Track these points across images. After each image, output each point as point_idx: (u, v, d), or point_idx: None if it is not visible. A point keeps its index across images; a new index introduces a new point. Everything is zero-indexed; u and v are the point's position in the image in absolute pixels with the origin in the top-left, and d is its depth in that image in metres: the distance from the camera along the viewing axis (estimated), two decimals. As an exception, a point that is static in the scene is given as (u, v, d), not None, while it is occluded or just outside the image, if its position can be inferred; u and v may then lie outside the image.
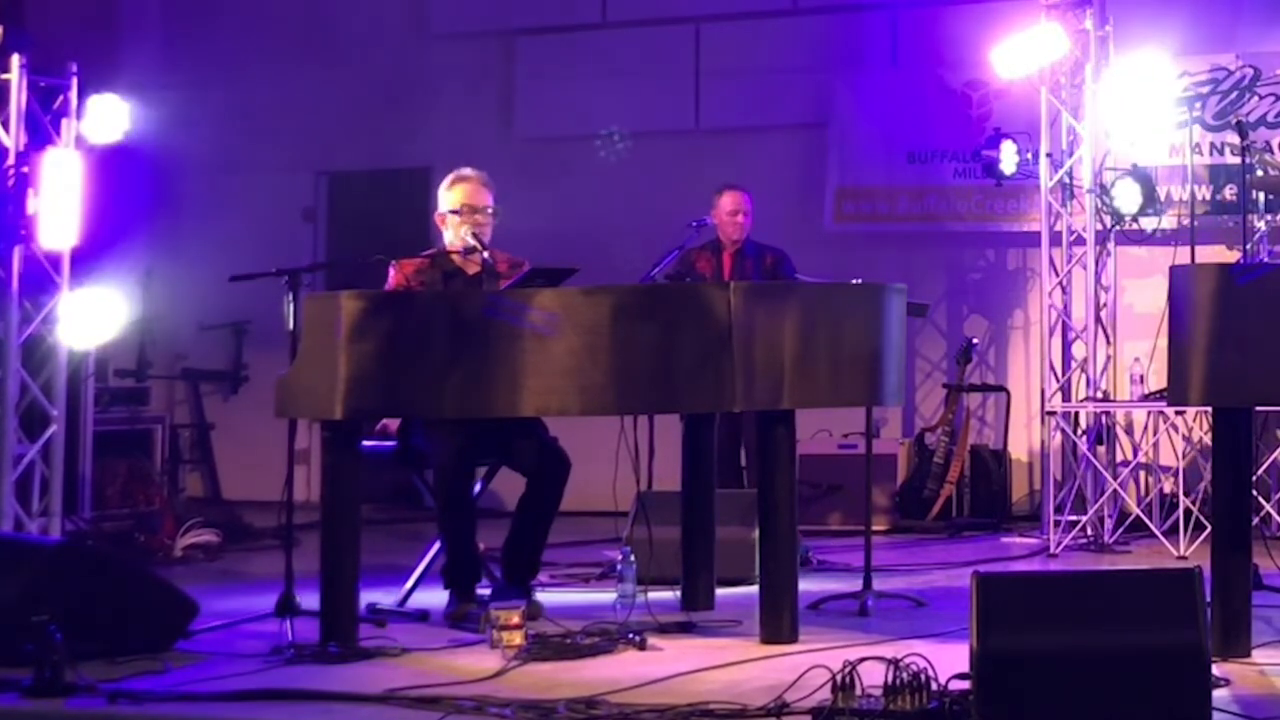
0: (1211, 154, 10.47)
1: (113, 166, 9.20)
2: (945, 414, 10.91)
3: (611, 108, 11.74)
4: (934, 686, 4.85)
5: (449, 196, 7.21)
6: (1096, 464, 9.72)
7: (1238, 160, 9.31)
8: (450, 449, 6.82)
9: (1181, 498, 9.22)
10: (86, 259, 9.01)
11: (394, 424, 7.14)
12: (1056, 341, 10.01)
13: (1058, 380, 9.91)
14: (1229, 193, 10.31)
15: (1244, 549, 5.98)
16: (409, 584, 7.19)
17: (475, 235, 7.07)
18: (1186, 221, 9.84)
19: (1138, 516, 9.59)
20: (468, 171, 7.25)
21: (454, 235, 7.20)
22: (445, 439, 6.85)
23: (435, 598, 7.00)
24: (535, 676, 5.73)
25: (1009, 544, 9.87)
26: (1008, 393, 11.20)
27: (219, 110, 12.07)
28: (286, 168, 12.52)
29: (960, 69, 11.17)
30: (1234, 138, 9.42)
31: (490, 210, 7.17)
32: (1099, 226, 9.91)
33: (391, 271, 7.17)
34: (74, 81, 8.90)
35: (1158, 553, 9.13)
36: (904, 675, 4.82)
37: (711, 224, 8.28)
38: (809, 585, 7.07)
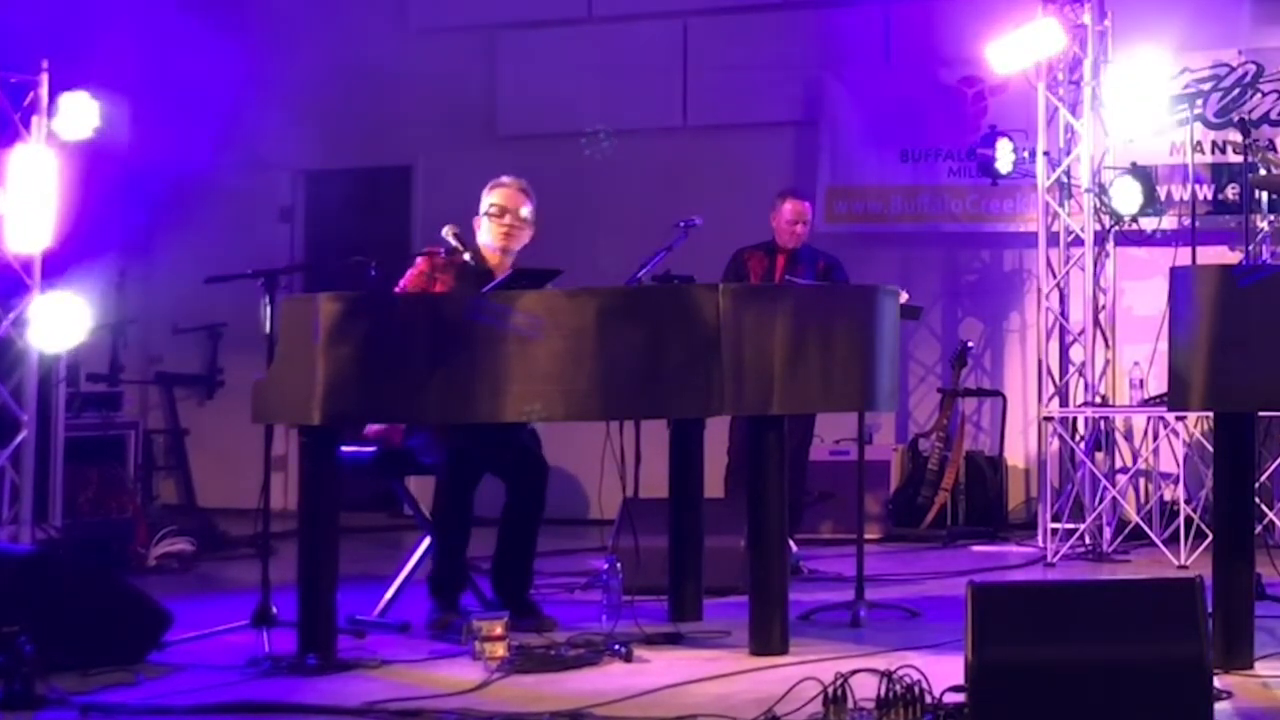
0: (1213, 152, 10.42)
1: (84, 165, 9.15)
2: (940, 419, 10.84)
3: (597, 104, 11.67)
4: (928, 699, 4.84)
5: (484, 199, 7.22)
6: (1095, 470, 9.68)
7: (1240, 159, 9.34)
8: (452, 455, 6.77)
9: (1182, 505, 9.19)
10: (58, 260, 8.96)
11: (374, 430, 7.04)
12: (1054, 345, 10.02)
13: (1055, 385, 9.89)
14: (1231, 192, 10.28)
15: (1246, 558, 5.94)
16: (389, 594, 7.12)
17: (457, 235, 7.04)
18: (1187, 221, 9.80)
19: (1137, 524, 9.57)
20: (506, 179, 7.28)
21: (486, 235, 7.18)
22: (445, 445, 6.80)
23: (416, 608, 6.93)
24: (518, 689, 5.69)
25: (1005, 553, 9.82)
26: (1004, 397, 11.15)
27: (193, 107, 11.97)
28: (263, 166, 12.47)
29: (955, 65, 11.13)
30: (1236, 136, 9.46)
31: (523, 217, 7.16)
32: (1097, 227, 9.91)
33: (419, 260, 7.20)
34: (44, 78, 8.82)
35: (1158, 562, 9.10)
36: (897, 688, 4.80)
37: (701, 225, 8.21)
38: (800, 595, 7.02)
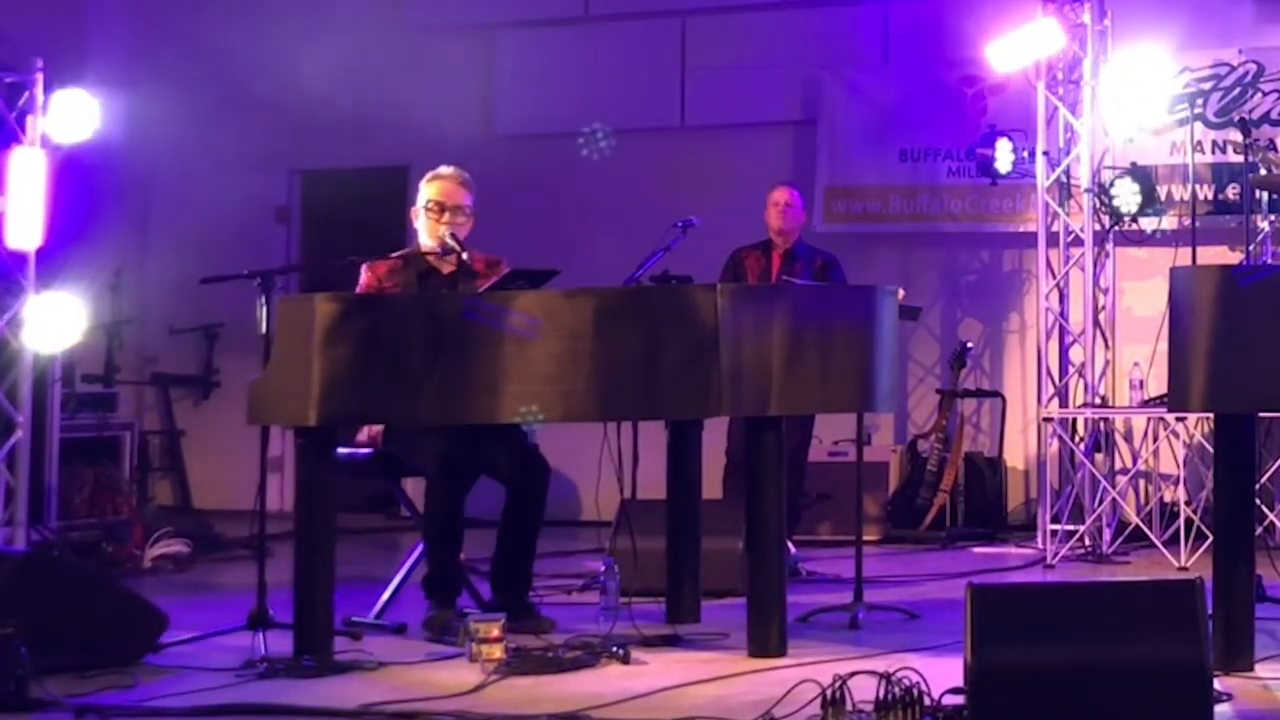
0: (1213, 152, 10.39)
1: (80, 165, 9.12)
2: (939, 420, 10.81)
3: (594, 104, 11.59)
4: (927, 701, 4.83)
5: (423, 192, 7.15)
6: (1095, 472, 9.65)
7: (1240, 158, 9.29)
8: (440, 457, 6.72)
9: (1182, 506, 9.15)
10: (53, 260, 8.91)
11: (364, 435, 7.01)
12: (1053, 345, 10.00)
13: (1055, 385, 9.86)
14: (1231, 192, 10.25)
15: (1247, 559, 5.91)
16: (386, 595, 7.08)
17: (453, 235, 6.99)
18: (1187, 222, 9.77)
19: (1137, 526, 9.54)
20: (445, 169, 7.19)
21: (425, 232, 7.11)
22: (428, 447, 6.74)
23: (413, 610, 6.89)
24: (515, 691, 5.66)
25: (1004, 554, 9.79)
26: (1003, 398, 11.12)
27: (189, 106, 11.97)
28: (259, 166, 12.45)
29: (955, 64, 11.12)
30: (1236, 135, 9.42)
31: (464, 209, 7.06)
32: (1097, 227, 9.89)
33: (363, 273, 7.10)
34: (39, 78, 8.79)
35: (1158, 563, 9.08)
36: (896, 690, 4.79)
37: (699, 224, 8.22)
38: (798, 597, 6.99)
